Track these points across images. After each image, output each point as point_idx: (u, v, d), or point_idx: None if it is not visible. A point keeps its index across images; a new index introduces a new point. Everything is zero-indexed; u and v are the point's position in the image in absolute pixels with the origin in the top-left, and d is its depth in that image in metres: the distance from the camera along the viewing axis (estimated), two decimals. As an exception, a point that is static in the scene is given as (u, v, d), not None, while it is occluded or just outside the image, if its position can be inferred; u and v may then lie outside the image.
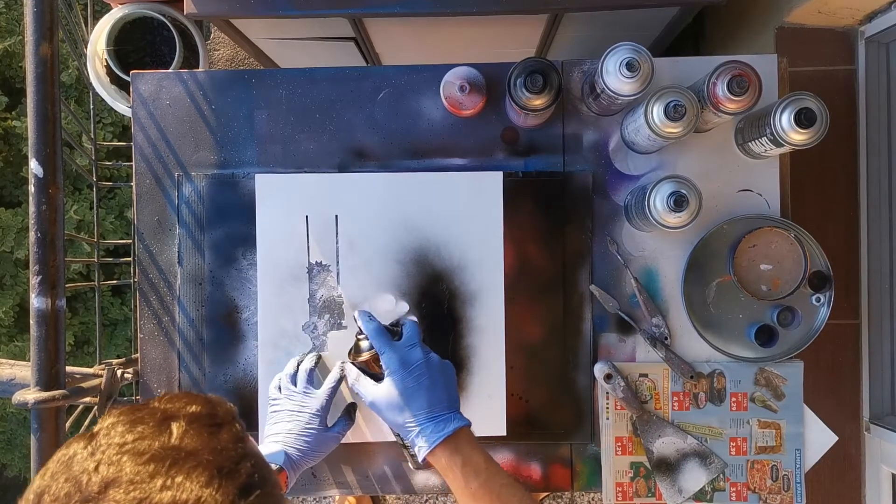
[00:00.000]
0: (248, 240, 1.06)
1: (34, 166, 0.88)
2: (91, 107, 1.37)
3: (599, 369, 1.05)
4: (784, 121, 0.91)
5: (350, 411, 1.00)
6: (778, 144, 0.94)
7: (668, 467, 1.05)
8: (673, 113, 0.90)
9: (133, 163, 1.08)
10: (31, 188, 0.89)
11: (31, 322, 0.88)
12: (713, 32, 1.67)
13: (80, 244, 2.06)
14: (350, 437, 1.02)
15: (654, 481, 1.05)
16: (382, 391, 0.85)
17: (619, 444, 1.05)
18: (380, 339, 0.88)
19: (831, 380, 1.34)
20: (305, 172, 1.07)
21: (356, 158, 1.08)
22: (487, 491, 0.78)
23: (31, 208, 0.89)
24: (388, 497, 2.01)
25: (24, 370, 0.96)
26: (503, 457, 1.07)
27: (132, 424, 0.51)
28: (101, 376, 1.02)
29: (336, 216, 1.05)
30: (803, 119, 0.89)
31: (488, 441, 1.05)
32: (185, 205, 1.07)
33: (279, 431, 0.92)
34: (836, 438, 1.06)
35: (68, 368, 0.93)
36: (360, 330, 0.91)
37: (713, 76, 0.92)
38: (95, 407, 1.01)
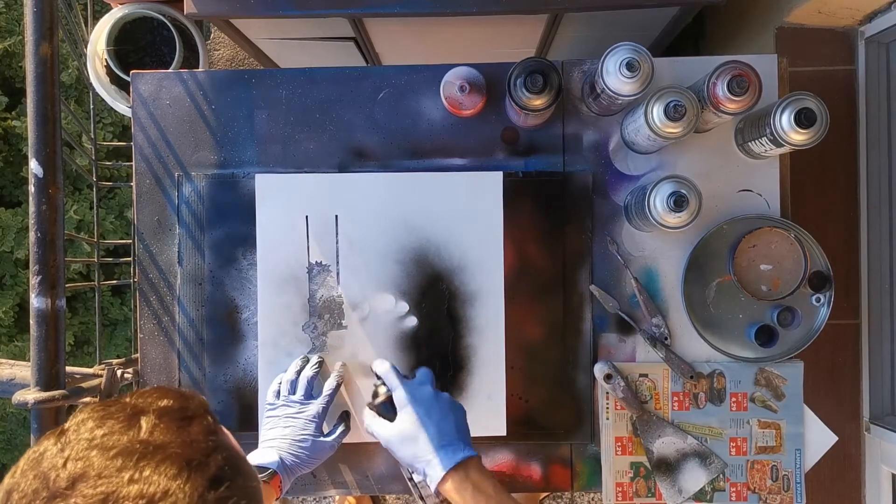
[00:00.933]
0: (248, 240, 1.06)
1: (34, 166, 0.88)
2: (91, 107, 1.37)
3: (599, 369, 1.05)
4: (784, 121, 0.91)
5: (345, 419, 1.01)
6: (778, 144, 0.94)
7: (668, 467, 1.05)
8: (673, 113, 0.90)
9: (133, 163, 1.08)
10: (31, 188, 0.89)
11: (31, 322, 0.88)
12: (713, 32, 1.67)
13: (80, 244, 2.06)
14: (350, 438, 1.02)
15: (654, 481, 1.05)
16: (395, 427, 0.86)
17: (619, 444, 1.05)
18: (391, 377, 0.90)
19: (831, 380, 1.34)
20: (305, 172, 1.07)
21: (356, 158, 1.08)
22: None
23: (31, 208, 0.89)
24: (387, 497, 2.01)
25: (24, 370, 0.96)
26: (503, 457, 1.07)
27: (102, 420, 0.51)
28: (101, 376, 1.02)
29: (336, 216, 1.05)
30: (803, 119, 0.89)
31: (488, 441, 1.05)
32: (185, 205, 1.07)
33: (274, 437, 0.92)
34: (836, 438, 1.06)
35: (68, 368, 0.93)
36: (377, 376, 0.92)
37: (713, 76, 0.92)
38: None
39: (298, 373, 0.99)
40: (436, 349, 1.05)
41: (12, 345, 2.09)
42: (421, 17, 1.26)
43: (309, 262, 1.05)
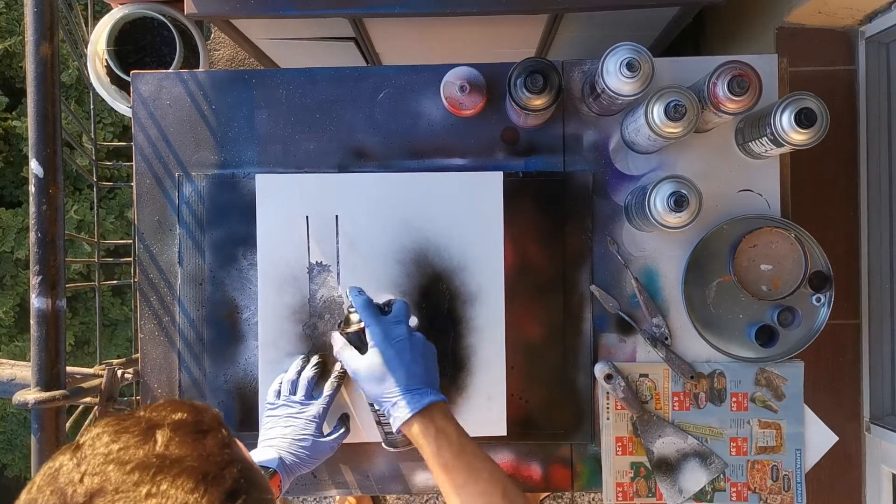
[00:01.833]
0: (248, 240, 1.06)
1: (34, 166, 0.88)
2: (91, 107, 1.37)
3: (600, 369, 1.05)
4: (784, 121, 0.91)
5: (344, 420, 1.01)
6: (778, 144, 0.94)
7: (668, 467, 1.05)
8: (673, 113, 0.90)
9: (133, 163, 1.08)
10: (32, 188, 0.89)
11: (32, 322, 0.88)
12: (713, 32, 1.67)
13: (81, 244, 2.06)
14: (350, 438, 1.02)
15: (655, 481, 1.05)
16: (364, 362, 0.86)
17: (620, 444, 1.05)
18: (367, 312, 0.89)
19: (831, 380, 1.34)
20: (305, 172, 1.07)
21: (356, 158, 1.08)
22: (459, 461, 0.79)
23: (32, 208, 0.89)
24: (388, 497, 2.01)
25: (24, 370, 0.96)
26: (503, 457, 1.07)
27: (117, 434, 0.51)
28: (102, 376, 1.02)
29: (336, 216, 1.05)
30: (803, 119, 0.89)
31: (488, 441, 1.05)
32: (186, 205, 1.07)
33: (274, 436, 0.93)
34: (837, 438, 1.06)
35: (68, 368, 0.93)
36: (352, 304, 0.92)
37: (713, 76, 0.92)
38: (96, 407, 1.01)
39: (299, 373, 1.00)
40: (436, 349, 1.05)
41: (13, 345, 2.09)
42: (421, 17, 1.26)
43: (309, 262, 1.05)
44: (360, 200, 1.05)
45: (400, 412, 0.82)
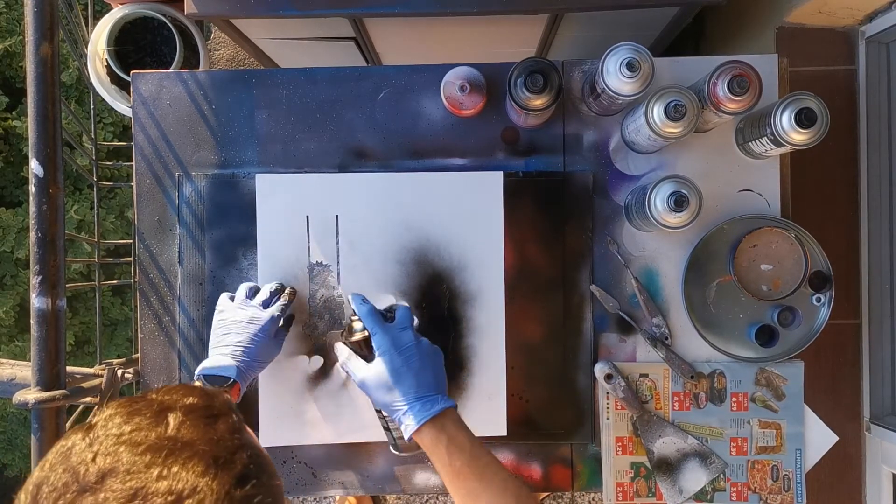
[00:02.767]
0: (248, 240, 1.06)
1: (34, 166, 0.88)
2: (91, 107, 1.37)
3: (600, 369, 1.05)
4: (784, 121, 0.91)
5: (287, 323, 1.01)
6: (778, 144, 0.94)
7: (668, 467, 1.05)
8: (673, 113, 0.90)
9: (133, 163, 1.08)
10: (32, 188, 0.89)
11: (32, 322, 0.88)
12: (713, 32, 1.67)
13: (81, 244, 2.06)
14: (350, 438, 1.02)
15: (655, 481, 1.05)
16: (372, 371, 0.86)
17: (620, 444, 1.05)
18: (372, 320, 0.89)
19: (831, 380, 1.34)
20: (306, 172, 1.07)
21: (356, 158, 1.08)
22: (470, 469, 0.79)
23: (32, 208, 0.89)
24: (388, 497, 2.01)
25: (24, 370, 0.96)
26: (503, 457, 1.07)
27: (129, 416, 0.52)
28: (102, 376, 1.02)
29: (336, 216, 1.05)
30: (804, 119, 0.89)
31: (489, 441, 1.05)
32: (186, 205, 1.07)
33: (228, 343, 0.92)
34: (837, 438, 1.06)
35: (69, 368, 0.93)
36: (354, 311, 0.92)
37: (713, 76, 0.92)
38: (96, 407, 1.01)
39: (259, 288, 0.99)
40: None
41: (13, 345, 2.09)
42: (421, 16, 1.26)
43: (309, 262, 1.05)
44: (360, 200, 1.05)
45: (410, 420, 0.82)
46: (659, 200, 0.93)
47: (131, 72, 1.09)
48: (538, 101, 0.95)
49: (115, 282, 1.82)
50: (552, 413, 1.07)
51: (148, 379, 1.08)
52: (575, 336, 1.07)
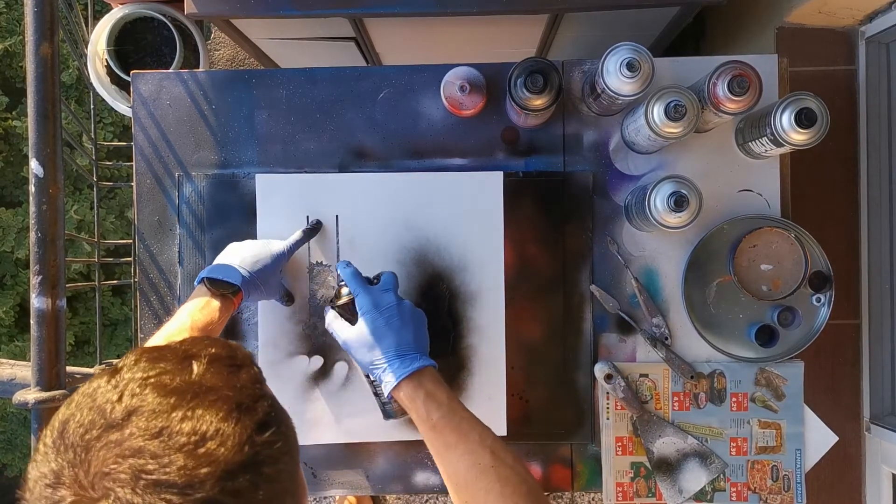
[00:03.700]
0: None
1: (34, 166, 0.88)
2: (91, 107, 1.37)
3: (600, 369, 1.05)
4: (784, 121, 0.91)
5: (289, 295, 1.03)
6: (778, 144, 0.94)
7: (668, 467, 1.05)
8: (673, 113, 0.90)
9: (133, 163, 1.08)
10: (32, 188, 0.89)
11: (32, 322, 0.88)
12: (713, 32, 1.67)
13: (81, 244, 2.06)
14: (350, 438, 1.02)
15: (655, 481, 1.05)
16: (355, 331, 0.87)
17: (620, 444, 1.05)
18: (355, 282, 0.90)
19: (831, 380, 1.34)
20: (306, 172, 1.07)
21: (356, 158, 1.08)
22: (448, 423, 0.80)
23: (32, 208, 0.89)
24: (388, 497, 2.01)
25: (24, 370, 0.96)
26: (503, 457, 1.07)
27: (154, 361, 0.53)
28: (102, 376, 1.02)
29: (336, 216, 1.05)
30: (803, 119, 0.89)
31: (488, 441, 1.05)
32: (186, 205, 1.07)
33: (236, 254, 0.94)
34: (837, 438, 1.06)
35: (69, 368, 0.93)
36: (340, 277, 0.93)
37: (713, 76, 0.92)
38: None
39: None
40: (436, 349, 1.04)
41: (12, 345, 2.10)
42: (421, 17, 1.26)
43: (309, 261, 1.05)
44: (360, 200, 1.05)
45: (389, 377, 0.83)
46: (659, 200, 0.93)
47: (131, 72, 1.09)
48: (538, 101, 0.95)
49: (115, 282, 1.82)
50: (552, 413, 1.07)
51: (148, 379, 1.07)
52: (575, 336, 1.07)
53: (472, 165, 1.07)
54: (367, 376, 0.94)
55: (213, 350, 0.56)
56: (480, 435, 0.79)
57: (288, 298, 1.02)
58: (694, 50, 1.72)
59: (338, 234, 1.05)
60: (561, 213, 1.07)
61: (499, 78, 1.04)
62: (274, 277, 0.96)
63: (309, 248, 1.04)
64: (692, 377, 1.05)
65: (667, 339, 1.05)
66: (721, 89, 0.91)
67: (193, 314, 0.86)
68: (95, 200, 1.29)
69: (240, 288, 0.90)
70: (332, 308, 0.92)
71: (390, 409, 0.94)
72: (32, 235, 0.88)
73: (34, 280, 0.88)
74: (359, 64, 1.64)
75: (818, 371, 1.32)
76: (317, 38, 1.50)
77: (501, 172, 1.05)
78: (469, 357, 1.05)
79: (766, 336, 1.03)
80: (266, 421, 0.52)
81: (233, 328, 1.06)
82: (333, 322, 0.91)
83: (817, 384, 1.30)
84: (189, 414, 0.49)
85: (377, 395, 0.95)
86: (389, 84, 1.07)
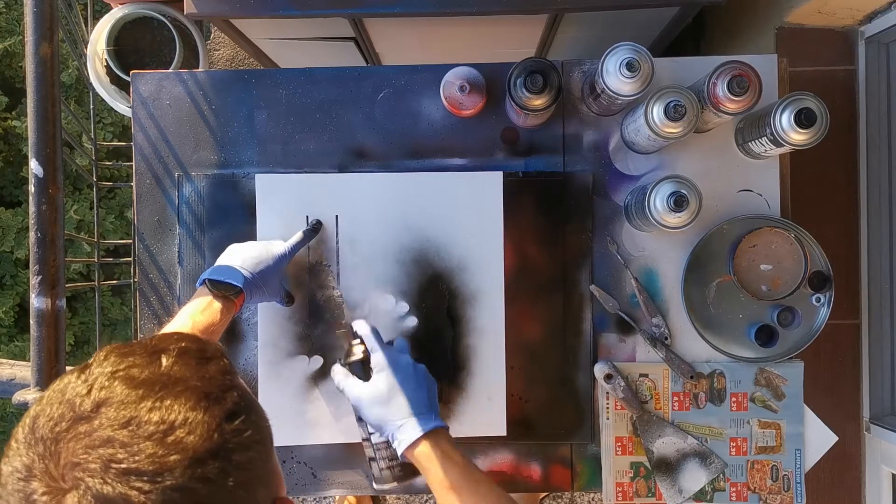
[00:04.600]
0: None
1: (34, 166, 0.88)
2: (91, 107, 1.37)
3: (599, 369, 1.05)
4: (784, 121, 0.91)
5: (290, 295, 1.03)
6: (778, 144, 0.94)
7: (668, 467, 1.05)
8: (673, 113, 0.90)
9: (133, 163, 1.08)
10: (31, 188, 0.89)
11: (31, 322, 0.89)
12: (713, 32, 1.67)
13: (80, 244, 2.06)
14: (350, 438, 1.02)
15: (655, 481, 1.05)
16: (369, 387, 0.87)
17: (620, 444, 1.05)
18: (373, 339, 0.90)
19: (831, 380, 1.34)
20: (305, 172, 1.07)
21: (356, 158, 1.08)
22: (465, 483, 0.80)
23: (31, 208, 0.89)
24: (387, 497, 2.01)
25: (24, 370, 0.96)
26: (503, 457, 1.07)
27: (124, 356, 0.54)
28: (102, 376, 1.02)
29: (336, 216, 1.05)
30: (803, 119, 0.89)
31: (488, 441, 1.05)
32: (186, 205, 1.07)
33: (237, 255, 0.94)
34: (837, 438, 1.06)
35: (68, 368, 0.93)
36: (355, 334, 0.92)
37: (713, 76, 0.92)
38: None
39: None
40: (436, 349, 1.05)
41: (12, 345, 2.09)
42: (421, 17, 1.26)
43: (309, 261, 1.05)
44: (360, 200, 1.05)
45: (406, 434, 0.82)
46: (659, 200, 0.93)
47: (131, 72, 1.09)
48: (538, 102, 0.95)
49: (114, 282, 1.82)
50: (552, 413, 1.07)
51: (148, 379, 1.08)
52: (575, 336, 1.07)
53: (472, 165, 1.07)
54: (367, 440, 0.91)
55: (183, 344, 0.56)
56: (499, 497, 0.79)
57: (288, 299, 1.02)
58: (694, 50, 1.72)
59: (337, 234, 1.05)
60: (561, 214, 1.07)
61: (498, 78, 1.04)
62: (275, 279, 0.96)
63: (308, 248, 1.04)
64: (692, 377, 1.05)
65: (666, 339, 1.05)
66: (721, 89, 0.91)
67: (194, 316, 0.86)
68: (95, 200, 1.29)
69: (242, 290, 0.90)
70: (344, 365, 0.91)
71: (386, 475, 0.91)
72: (32, 235, 0.89)
73: (34, 280, 0.88)
74: (359, 64, 1.64)
75: (818, 371, 1.32)
76: (316, 38, 1.50)
77: (501, 172, 1.05)
78: (469, 357, 1.05)
79: (765, 336, 1.03)
80: (235, 410, 0.53)
81: (232, 329, 1.06)
82: (345, 379, 0.89)
83: (817, 384, 1.29)
84: (157, 404, 0.49)
85: (374, 459, 0.91)
86: (389, 84, 1.07)
